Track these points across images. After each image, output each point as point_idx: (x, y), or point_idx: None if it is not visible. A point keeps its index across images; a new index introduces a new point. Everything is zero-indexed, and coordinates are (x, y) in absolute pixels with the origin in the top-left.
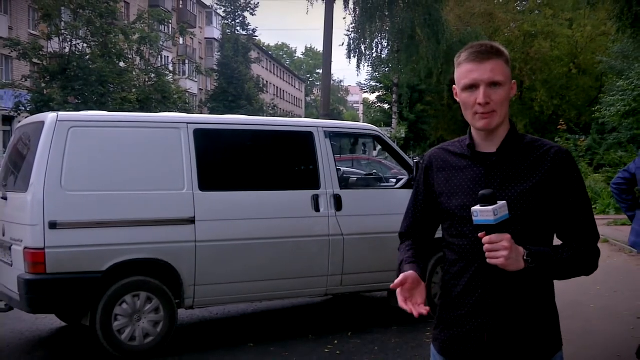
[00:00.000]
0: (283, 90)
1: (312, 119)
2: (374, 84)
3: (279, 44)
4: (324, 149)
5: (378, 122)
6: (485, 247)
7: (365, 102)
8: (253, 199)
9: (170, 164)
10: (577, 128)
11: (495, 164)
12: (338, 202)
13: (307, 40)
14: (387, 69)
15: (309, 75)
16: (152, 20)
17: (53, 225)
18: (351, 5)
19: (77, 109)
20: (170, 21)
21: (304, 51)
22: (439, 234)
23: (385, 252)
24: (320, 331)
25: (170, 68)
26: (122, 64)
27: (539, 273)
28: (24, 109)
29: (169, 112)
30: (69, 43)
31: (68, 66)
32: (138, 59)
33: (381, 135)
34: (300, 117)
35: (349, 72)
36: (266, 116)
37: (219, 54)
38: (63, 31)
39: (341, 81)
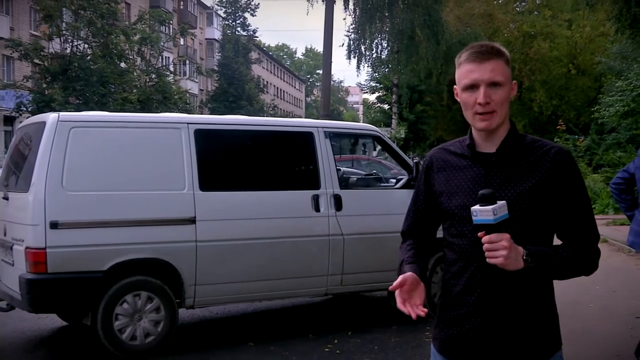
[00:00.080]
0: (283, 91)
1: (312, 119)
2: (373, 84)
3: (279, 44)
4: (324, 149)
5: (378, 123)
6: (485, 246)
7: (365, 102)
8: (253, 199)
9: (171, 164)
10: (576, 128)
11: (495, 164)
12: (338, 202)
13: (307, 41)
14: (386, 70)
15: (309, 76)
16: (152, 21)
17: (54, 225)
18: (351, 6)
19: (78, 109)
20: (171, 22)
21: (304, 52)
22: (440, 233)
23: (385, 252)
24: (320, 330)
25: (171, 68)
26: (123, 65)
27: (539, 273)
28: (25, 109)
29: (169, 112)
30: (70, 44)
31: (69, 67)
32: (139, 59)
33: (381, 136)
34: (301, 117)
35: (349, 73)
36: (266, 116)
37: (219, 54)
38: (64, 32)
39: (341, 82)
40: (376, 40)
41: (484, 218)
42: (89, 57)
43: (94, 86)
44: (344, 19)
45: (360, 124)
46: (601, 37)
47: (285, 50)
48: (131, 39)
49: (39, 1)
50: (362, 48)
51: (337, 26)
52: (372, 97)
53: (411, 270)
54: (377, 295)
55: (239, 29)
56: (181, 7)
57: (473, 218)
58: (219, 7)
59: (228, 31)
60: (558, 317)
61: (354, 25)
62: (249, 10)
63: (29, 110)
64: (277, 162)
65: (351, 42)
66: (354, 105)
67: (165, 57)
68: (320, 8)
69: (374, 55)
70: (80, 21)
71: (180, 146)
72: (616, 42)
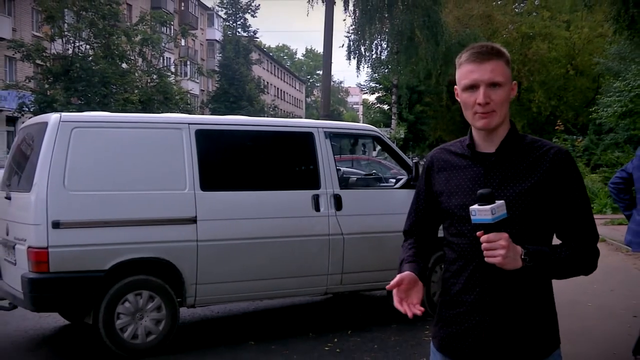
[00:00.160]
0: (284, 91)
1: (312, 120)
2: (373, 85)
3: (280, 45)
4: (324, 149)
5: (377, 123)
6: (483, 245)
7: (364, 103)
8: (254, 199)
9: (172, 164)
10: (575, 129)
11: (494, 164)
12: (338, 202)
13: (307, 42)
14: (386, 70)
15: (309, 77)
16: (154, 22)
17: (56, 225)
18: (351, 7)
19: (80, 109)
20: (172, 23)
21: (304, 52)
22: (441, 232)
23: (384, 251)
24: (320, 329)
25: (172, 69)
26: (124, 65)
27: (537, 272)
28: (27, 109)
29: (170, 112)
30: (72, 44)
31: (71, 67)
32: (140, 60)
33: (380, 136)
34: (301, 117)
35: (349, 74)
36: (267, 117)
37: (220, 55)
38: (66, 33)
39: (341, 82)
40: (376, 41)
41: (482, 217)
42: (90, 58)
43: (95, 87)
44: (344, 20)
45: (360, 124)
46: (599, 38)
47: (286, 51)
48: (132, 39)
49: (41, 2)
50: (362, 49)
51: (337, 27)
52: (371, 98)
53: (410, 269)
54: (376, 294)
55: (239, 30)
56: (182, 8)
57: (472, 217)
58: (219, 8)
59: (229, 32)
60: (557, 316)
61: (353, 26)
62: (249, 11)
63: (31, 110)
64: (277, 162)
65: (351, 43)
66: (354, 106)
67: (167, 57)
68: (321, 9)
69: (373, 56)
70: (82, 22)
71: (181, 146)
72: (614, 43)
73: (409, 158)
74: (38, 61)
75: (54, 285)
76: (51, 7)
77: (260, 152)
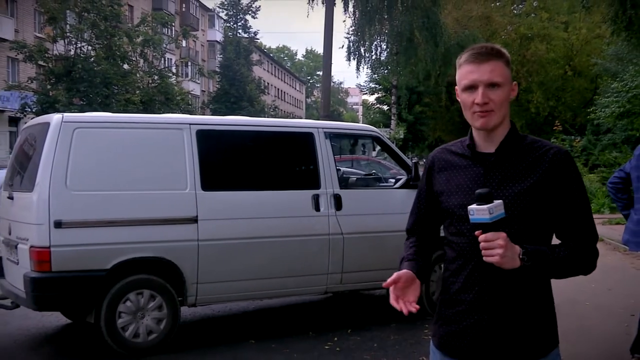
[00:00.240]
0: (284, 92)
1: (312, 120)
2: (373, 85)
3: (280, 46)
4: (324, 149)
5: (377, 123)
6: (481, 245)
7: (364, 103)
8: (254, 199)
9: (173, 164)
10: (573, 129)
11: (494, 164)
12: (338, 202)
13: (307, 43)
14: (386, 71)
15: (309, 77)
16: (155, 23)
17: (58, 225)
18: (351, 9)
19: (81, 110)
20: (173, 24)
21: (304, 53)
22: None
23: (384, 251)
24: (320, 328)
25: (173, 70)
26: (126, 66)
27: (535, 271)
28: (29, 110)
29: (172, 113)
30: (74, 45)
31: (73, 68)
32: (142, 61)
33: (380, 136)
34: (301, 118)
35: (349, 74)
36: (267, 117)
37: (221, 56)
38: (68, 34)
39: (341, 83)
40: (375, 42)
41: (480, 217)
42: (92, 59)
43: (97, 87)
44: (344, 21)
45: (360, 125)
46: (597, 39)
47: (286, 52)
48: (134, 41)
49: (44, 4)
50: (362, 50)
51: (337, 28)
52: (371, 98)
53: (409, 267)
54: (376, 293)
55: (240, 31)
56: (183, 9)
57: (470, 217)
58: (220, 10)
59: (229, 33)
60: (555, 315)
61: (353, 28)
62: (250, 12)
63: (34, 111)
64: (277, 162)
65: (351, 44)
66: (354, 106)
67: (168, 58)
68: (321, 10)
69: (373, 57)
70: (84, 23)
71: (182, 146)
72: (612, 44)
73: (409, 158)
74: (40, 62)
75: (56, 284)
76: (53, 9)
77: (261, 153)
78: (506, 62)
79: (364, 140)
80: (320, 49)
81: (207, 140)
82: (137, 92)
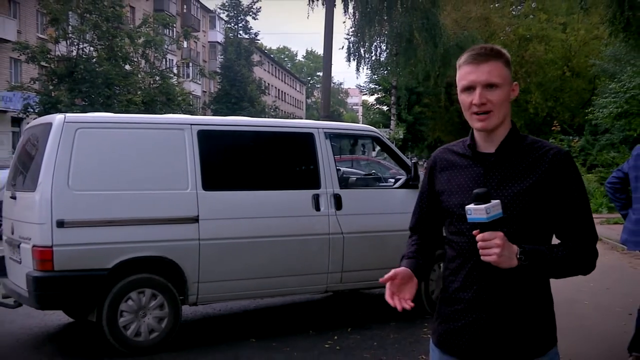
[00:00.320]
0: (284, 93)
1: (312, 121)
2: (373, 86)
3: (281, 47)
4: (324, 149)
5: (377, 124)
6: (479, 244)
7: (364, 104)
8: (255, 198)
9: (175, 164)
10: (571, 129)
11: (494, 164)
12: (338, 202)
13: (307, 44)
14: (385, 72)
15: (309, 78)
16: (156, 24)
17: (60, 224)
18: (351, 10)
19: (84, 110)
20: (175, 25)
21: (304, 54)
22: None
23: (384, 250)
24: (320, 327)
25: (175, 71)
26: (127, 67)
27: (533, 271)
28: (32, 110)
29: (173, 113)
30: (76, 46)
31: (75, 69)
32: (143, 62)
33: (380, 136)
34: (301, 118)
35: (349, 75)
36: (268, 118)
37: (222, 57)
38: (70, 35)
39: (341, 83)
40: (375, 43)
41: (477, 217)
42: (94, 60)
43: (99, 88)
44: (344, 22)
45: (360, 125)
46: (595, 40)
47: (287, 52)
48: (136, 41)
49: (46, 5)
50: (362, 51)
51: (337, 29)
52: (371, 99)
53: (408, 265)
54: (376, 292)
55: (241, 32)
56: (184, 10)
57: (467, 216)
58: (221, 11)
59: (230, 34)
60: (554, 314)
61: (353, 29)
62: (250, 13)
63: (36, 111)
64: (278, 162)
65: (351, 44)
66: (354, 107)
67: (169, 59)
68: (321, 12)
69: (373, 58)
70: (86, 24)
71: (183, 147)
72: (610, 45)
73: (408, 158)
74: (43, 63)
75: (58, 283)
76: (56, 10)
77: (262, 153)
78: (505, 62)
79: (363, 140)
80: (320, 50)
81: (208, 140)
82: (139, 92)
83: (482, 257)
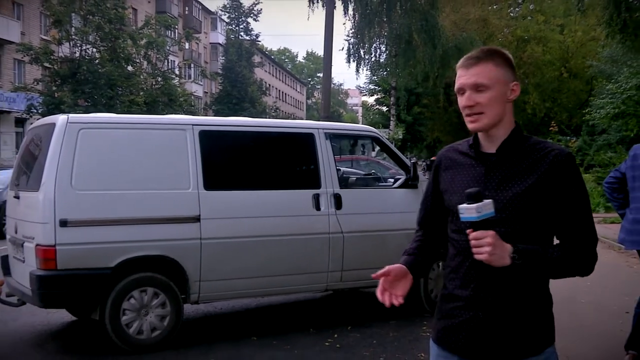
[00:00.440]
0: (285, 93)
1: (312, 121)
2: (372, 87)
3: (281, 48)
4: (324, 149)
5: (376, 124)
6: (471, 242)
7: (364, 104)
8: (256, 198)
9: (177, 164)
10: (568, 130)
11: (495, 164)
12: (338, 201)
13: (308, 45)
14: (385, 73)
15: (310, 79)
16: (158, 26)
17: (64, 223)
18: (351, 12)
19: (86, 111)
20: (177, 27)
21: (305, 55)
22: None
23: (383, 249)
24: (320, 325)
25: (177, 72)
26: (130, 68)
27: (528, 270)
28: (35, 111)
29: (175, 114)
30: (79, 48)
31: (78, 70)
32: (145, 63)
33: (379, 137)
34: (302, 119)
35: (349, 76)
36: (269, 118)
37: (223, 58)
38: (73, 36)
39: (341, 84)
40: (375, 45)
41: (469, 216)
42: (97, 61)
43: (102, 89)
44: (344, 23)
45: (360, 126)
46: (592, 42)
47: (287, 54)
48: (138, 43)
49: (49, 7)
50: (361, 52)
51: (337, 31)
52: (370, 100)
53: (405, 261)
54: (375, 291)
55: (242, 33)
56: (186, 12)
57: (460, 216)
58: (222, 13)
59: (231, 35)
60: (552, 313)
61: (353, 30)
62: (252, 15)
63: (39, 112)
64: (279, 162)
65: (351, 46)
66: (354, 108)
67: (171, 60)
68: (321, 13)
69: (372, 59)
70: (89, 26)
71: (185, 147)
72: (607, 47)
73: (407, 158)
74: (46, 64)
75: (61, 282)
76: (59, 12)
77: (262, 153)
78: (498, 63)
79: (363, 140)
80: (320, 51)
81: (210, 140)
82: (141, 93)
83: (474, 256)
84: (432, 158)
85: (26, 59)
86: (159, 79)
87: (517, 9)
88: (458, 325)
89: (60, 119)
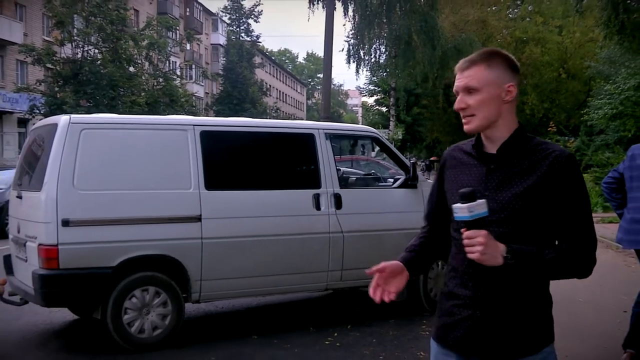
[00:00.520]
0: (285, 94)
1: (313, 121)
2: (372, 88)
3: (282, 49)
4: (324, 150)
5: (376, 124)
6: (464, 242)
7: (364, 105)
8: (257, 198)
9: (178, 164)
10: (567, 130)
11: (495, 164)
12: (338, 201)
13: (308, 46)
14: (384, 74)
15: (310, 80)
16: (160, 27)
17: (66, 223)
18: (350, 13)
19: (88, 111)
20: (178, 28)
21: (305, 56)
22: None
23: (383, 249)
24: (320, 324)
25: (178, 73)
26: (131, 69)
27: (522, 270)
28: (38, 111)
29: (176, 114)
30: (81, 49)
31: (80, 71)
32: (147, 64)
33: (379, 137)
34: (302, 119)
35: (349, 77)
36: (269, 119)
37: (224, 59)
38: (75, 37)
39: (341, 85)
40: (374, 46)
41: (462, 215)
42: (99, 62)
43: (103, 89)
44: (344, 25)
45: (359, 126)
46: (590, 43)
47: (288, 55)
48: (139, 44)
49: (52, 8)
50: (361, 53)
51: (337, 32)
52: (370, 100)
53: (403, 258)
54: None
55: (242, 34)
56: (187, 13)
57: (454, 215)
58: (223, 14)
59: (232, 37)
60: (552, 314)
61: (353, 31)
62: (252, 16)
63: (42, 112)
64: (279, 162)
65: (350, 47)
66: (354, 108)
67: (172, 61)
68: (321, 14)
69: (372, 60)
70: (91, 27)
71: (186, 147)
72: (605, 48)
73: (407, 158)
74: (48, 65)
75: (63, 281)
76: (61, 13)
77: (263, 153)
78: (493, 65)
79: (363, 141)
80: (320, 52)
81: (211, 141)
82: (143, 94)
83: (467, 255)
84: (432, 158)
85: (29, 60)
86: (161, 79)
87: (515, 10)
88: (456, 323)
89: (62, 119)
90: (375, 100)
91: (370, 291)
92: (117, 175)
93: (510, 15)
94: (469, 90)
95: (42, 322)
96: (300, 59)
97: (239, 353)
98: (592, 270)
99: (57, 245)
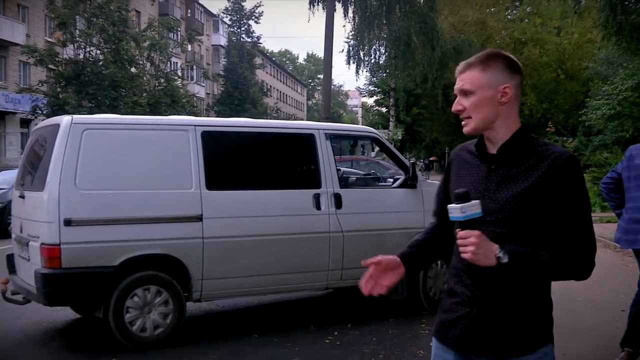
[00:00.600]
0: (286, 95)
1: (313, 122)
2: (372, 88)
3: (282, 50)
4: (324, 150)
5: (376, 125)
6: (457, 241)
7: (363, 105)
8: (257, 198)
9: (179, 164)
10: (565, 130)
11: (495, 165)
12: (338, 201)
13: (308, 47)
14: (384, 74)
15: (310, 80)
16: (161, 28)
17: (68, 223)
18: (350, 14)
19: (90, 112)
20: (179, 29)
21: (305, 57)
22: None
23: (383, 248)
24: (321, 323)
25: (179, 73)
26: (133, 70)
27: (517, 271)
28: (40, 112)
29: (177, 115)
30: (83, 50)
31: (82, 72)
32: (148, 64)
33: (379, 137)
34: (302, 120)
35: (349, 77)
36: (270, 119)
37: (225, 60)
38: (77, 38)
39: (341, 86)
40: (374, 47)
41: (455, 215)
42: (101, 63)
43: (105, 90)
44: (344, 26)
45: (359, 126)
46: (588, 44)
47: (288, 55)
48: (141, 45)
49: (54, 9)
50: (361, 54)
51: (337, 33)
52: (370, 101)
53: (401, 253)
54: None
55: (243, 35)
56: (188, 14)
57: (449, 215)
58: (224, 15)
59: (233, 38)
60: (551, 314)
61: (353, 32)
62: (253, 17)
63: (44, 113)
64: (280, 162)
65: (350, 48)
66: (354, 109)
67: (174, 62)
68: (322, 16)
69: (372, 61)
70: (93, 28)
71: (187, 147)
72: (603, 49)
73: (406, 158)
74: (50, 66)
75: (65, 280)
76: (63, 14)
77: (264, 153)
78: (488, 67)
79: (363, 141)
80: (321, 53)
81: (212, 141)
82: (144, 94)
83: (461, 255)
84: (431, 158)
85: (31, 60)
86: (162, 80)
87: (514, 11)
88: (455, 320)
89: (64, 119)
90: (375, 101)
91: (361, 282)
92: (119, 175)
93: (509, 17)
94: (464, 92)
95: (44, 321)
96: (301, 60)
97: (240, 351)
98: (591, 273)
99: (60, 244)
